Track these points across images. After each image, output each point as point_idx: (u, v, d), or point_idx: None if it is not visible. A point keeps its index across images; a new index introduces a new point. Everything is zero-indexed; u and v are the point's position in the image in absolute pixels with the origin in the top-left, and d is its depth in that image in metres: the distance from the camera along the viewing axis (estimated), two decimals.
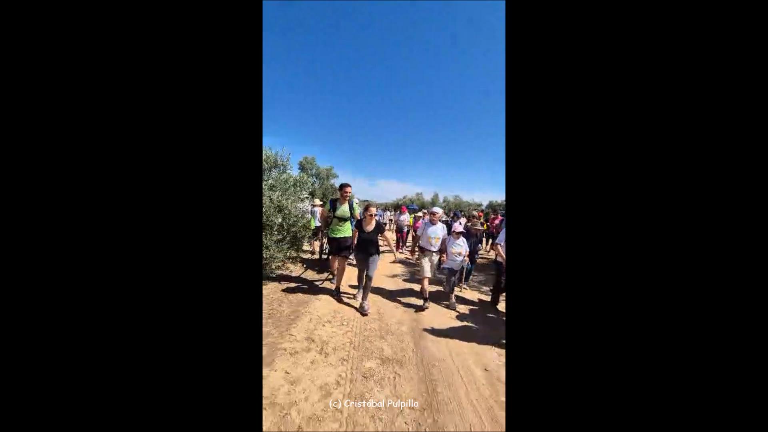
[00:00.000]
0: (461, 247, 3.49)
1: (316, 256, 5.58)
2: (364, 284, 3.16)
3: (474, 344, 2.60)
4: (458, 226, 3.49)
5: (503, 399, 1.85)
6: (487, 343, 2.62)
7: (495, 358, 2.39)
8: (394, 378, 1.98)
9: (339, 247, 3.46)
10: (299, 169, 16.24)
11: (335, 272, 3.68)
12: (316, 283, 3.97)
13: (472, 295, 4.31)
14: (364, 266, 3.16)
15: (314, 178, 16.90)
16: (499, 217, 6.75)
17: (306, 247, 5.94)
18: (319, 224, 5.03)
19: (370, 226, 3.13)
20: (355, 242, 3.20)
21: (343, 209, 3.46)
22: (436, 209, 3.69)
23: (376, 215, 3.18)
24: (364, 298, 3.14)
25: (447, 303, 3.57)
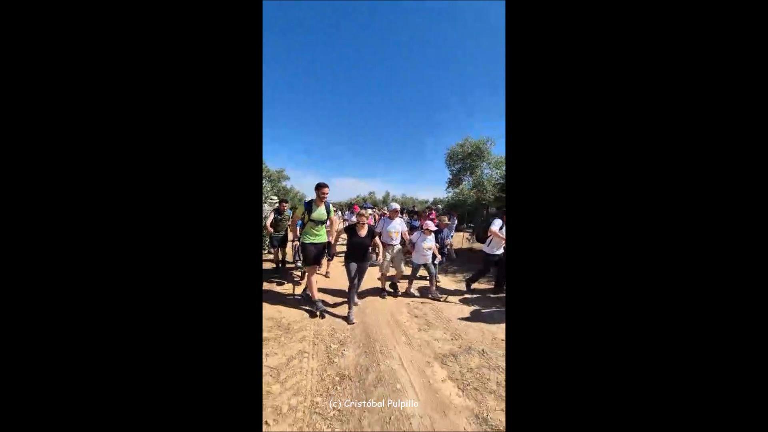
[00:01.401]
0: (431, 242, 3.72)
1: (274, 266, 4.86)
2: (349, 293, 3.02)
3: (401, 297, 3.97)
4: (430, 224, 3.68)
5: (400, 314, 3.24)
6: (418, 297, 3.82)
7: (413, 302, 3.78)
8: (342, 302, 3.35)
9: (316, 254, 3.09)
10: None
11: (307, 282, 3.15)
12: (288, 296, 3.57)
13: (448, 284, 4.50)
14: (356, 273, 3.02)
15: (265, 180, 16.91)
16: (434, 213, 8.12)
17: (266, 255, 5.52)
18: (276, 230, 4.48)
19: (364, 230, 3.04)
20: (346, 248, 3.05)
21: (320, 212, 3.04)
22: (395, 205, 3.81)
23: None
24: (350, 307, 3.02)
25: (431, 295, 3.68)
